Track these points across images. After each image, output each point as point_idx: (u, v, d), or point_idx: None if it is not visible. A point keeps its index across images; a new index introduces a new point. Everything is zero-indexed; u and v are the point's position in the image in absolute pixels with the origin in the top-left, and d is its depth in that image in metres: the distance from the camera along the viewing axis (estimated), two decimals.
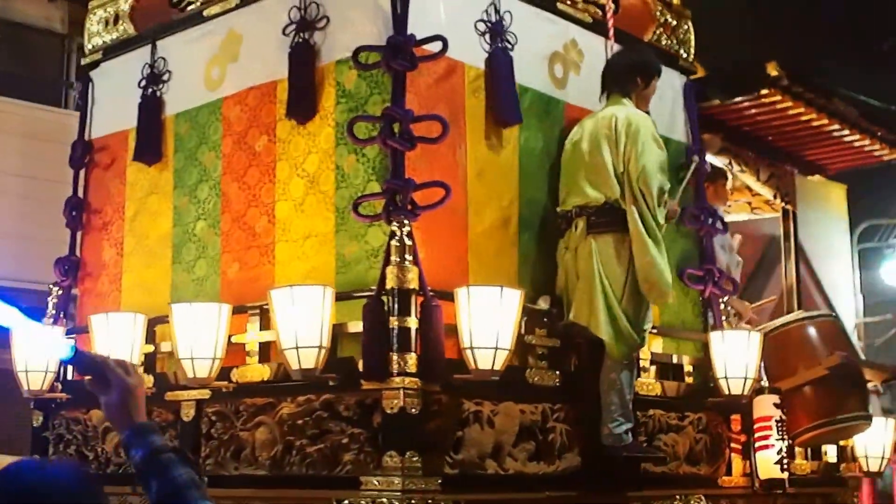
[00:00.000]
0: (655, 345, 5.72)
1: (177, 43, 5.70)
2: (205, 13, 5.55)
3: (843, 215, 10.73)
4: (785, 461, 6.05)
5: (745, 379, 5.67)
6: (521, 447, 4.70)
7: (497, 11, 5.08)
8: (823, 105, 6.68)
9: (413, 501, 4.17)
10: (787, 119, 6.70)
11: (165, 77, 5.70)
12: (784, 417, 6.10)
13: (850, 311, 10.83)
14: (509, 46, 5.09)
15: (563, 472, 4.88)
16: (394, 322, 4.28)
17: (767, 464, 6.04)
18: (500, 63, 5.02)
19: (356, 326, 4.47)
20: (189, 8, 5.70)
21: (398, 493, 4.16)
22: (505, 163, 5.08)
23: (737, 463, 6.03)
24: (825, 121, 6.73)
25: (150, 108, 5.70)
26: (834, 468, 6.99)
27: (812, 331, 6.43)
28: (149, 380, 5.20)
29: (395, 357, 4.25)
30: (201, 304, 4.79)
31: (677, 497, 5.52)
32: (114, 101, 6.00)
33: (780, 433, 6.07)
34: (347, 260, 4.69)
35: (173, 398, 5.10)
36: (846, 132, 6.96)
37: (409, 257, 4.35)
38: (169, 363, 5.31)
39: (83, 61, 6.26)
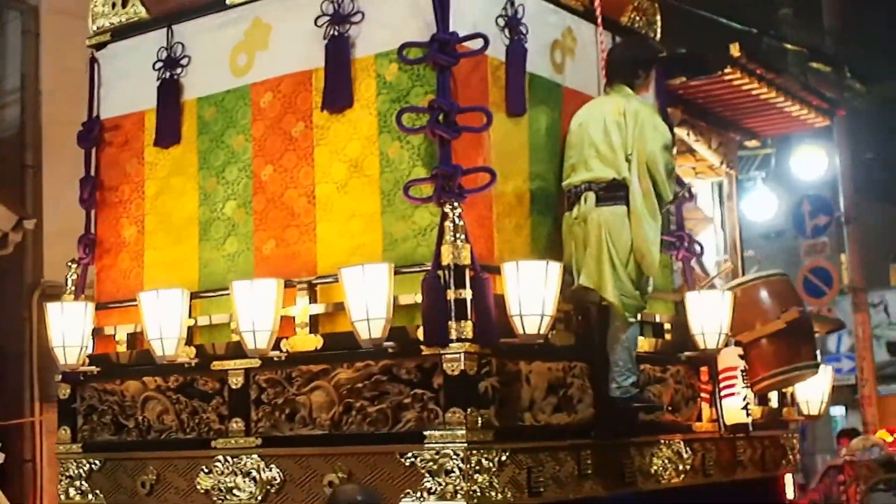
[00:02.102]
0: None
1: (195, 28, 6.22)
2: (227, 1, 6.10)
3: None
4: (749, 407, 7.02)
5: (719, 334, 6.60)
6: (547, 401, 5.50)
7: (513, 5, 5.79)
8: (772, 79, 7.60)
9: (475, 451, 4.93)
10: (740, 93, 7.58)
11: (184, 62, 6.23)
12: (746, 367, 7.08)
13: (710, 248, 11.31)
14: (523, 38, 5.81)
15: (580, 422, 5.71)
16: (451, 294, 5.01)
17: (733, 410, 6.99)
18: (515, 55, 5.75)
19: (406, 299, 5.18)
20: None
21: (463, 445, 4.92)
22: (519, 145, 5.81)
23: (704, 410, 6.95)
24: (773, 94, 7.65)
25: (169, 92, 6.23)
26: (777, 413, 8.03)
27: (766, 289, 7.38)
28: (191, 351, 5.82)
29: (453, 325, 4.99)
30: (261, 280, 5.41)
31: (662, 442, 6.42)
32: (125, 82, 6.49)
33: (745, 381, 7.04)
34: (395, 238, 5.38)
35: (220, 367, 5.72)
36: (788, 103, 7.91)
37: (461, 236, 5.07)
38: (205, 335, 5.92)
39: (87, 42, 6.72)
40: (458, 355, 4.98)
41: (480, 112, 5.29)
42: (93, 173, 6.53)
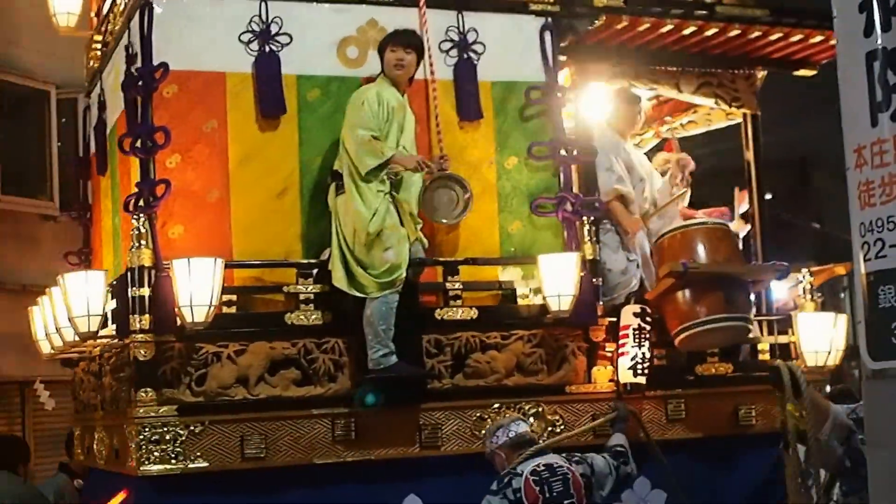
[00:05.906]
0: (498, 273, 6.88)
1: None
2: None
3: None
4: (641, 366, 6.84)
5: (560, 296, 6.65)
6: (280, 375, 6.21)
7: (263, 21, 6.50)
8: (709, 15, 7.23)
9: (148, 426, 5.91)
10: (675, 35, 7.31)
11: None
12: (643, 325, 6.91)
13: None
14: (278, 47, 6.50)
15: (336, 394, 6.31)
16: (134, 292, 6.02)
17: (623, 370, 6.91)
18: (264, 64, 6.47)
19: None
20: None
21: (137, 420, 5.93)
22: (282, 144, 6.52)
23: (602, 370, 6.95)
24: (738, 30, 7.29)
25: (100, 127, 7.70)
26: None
27: (696, 237, 7.05)
28: None
29: (133, 319, 5.99)
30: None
31: (505, 406, 6.65)
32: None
33: (637, 341, 6.89)
34: None
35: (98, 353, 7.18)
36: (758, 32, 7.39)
37: (143, 242, 6.03)
38: None
39: (86, 91, 8.40)
40: (136, 344, 5.98)
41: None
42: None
